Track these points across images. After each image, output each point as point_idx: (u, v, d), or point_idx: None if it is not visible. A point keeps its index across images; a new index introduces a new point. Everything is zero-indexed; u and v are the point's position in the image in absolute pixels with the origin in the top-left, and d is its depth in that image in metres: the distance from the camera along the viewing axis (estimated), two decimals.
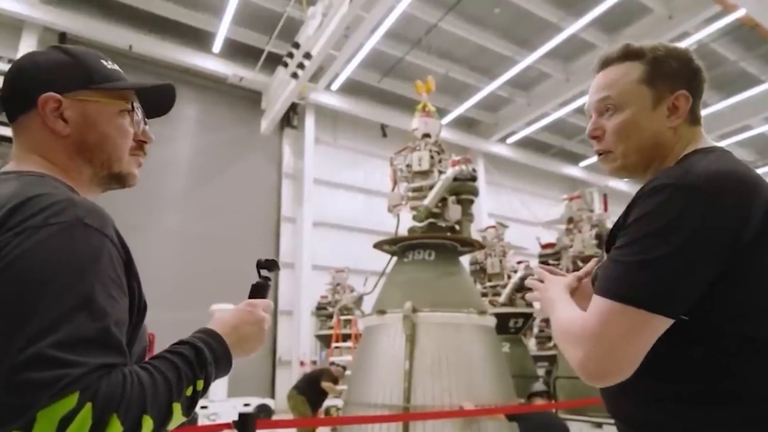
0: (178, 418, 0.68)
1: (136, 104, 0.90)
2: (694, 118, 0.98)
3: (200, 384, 0.71)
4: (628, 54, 0.99)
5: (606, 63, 1.02)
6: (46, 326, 0.59)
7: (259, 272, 0.97)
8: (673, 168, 0.88)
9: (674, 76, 0.96)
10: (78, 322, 0.61)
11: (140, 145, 0.91)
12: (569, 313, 0.89)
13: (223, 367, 0.78)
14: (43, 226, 0.65)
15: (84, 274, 0.64)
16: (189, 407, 0.69)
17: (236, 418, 2.07)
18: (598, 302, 0.82)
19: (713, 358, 0.80)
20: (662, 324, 0.79)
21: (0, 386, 0.58)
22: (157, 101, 0.95)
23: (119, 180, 0.88)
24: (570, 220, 8.46)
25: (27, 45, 10.61)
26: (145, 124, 0.93)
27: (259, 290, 0.95)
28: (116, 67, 0.89)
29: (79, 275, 0.64)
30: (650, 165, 0.98)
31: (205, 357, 0.73)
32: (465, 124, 16.83)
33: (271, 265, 0.97)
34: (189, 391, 0.69)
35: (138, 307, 0.76)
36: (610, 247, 0.88)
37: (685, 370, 0.81)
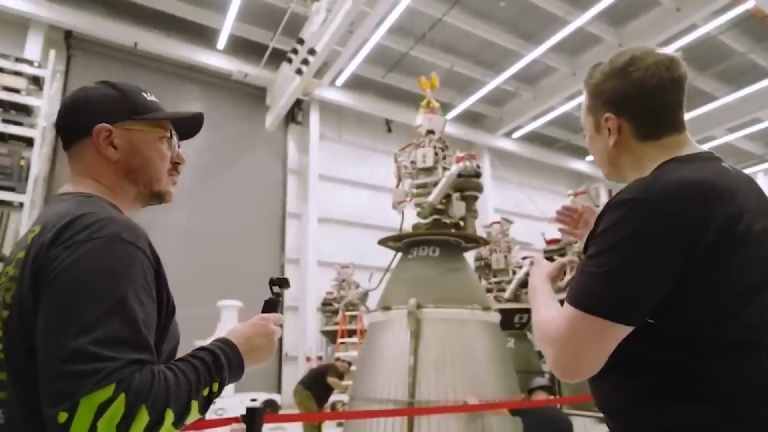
0: (194, 414, 0.77)
1: (172, 130, 1.04)
2: (649, 131, 1.00)
3: (215, 386, 0.81)
4: (584, 82, 1.10)
5: None
6: (86, 326, 0.70)
7: (271, 289, 1.08)
8: (639, 180, 0.92)
9: (607, 98, 1.03)
10: (113, 323, 0.72)
11: (175, 166, 1.04)
12: (546, 314, 0.96)
13: (236, 372, 0.89)
14: (87, 240, 0.77)
15: (119, 281, 0.75)
16: (205, 405, 0.79)
17: (243, 412, 2.10)
18: (567, 309, 0.90)
19: (682, 358, 0.84)
20: (622, 331, 0.85)
21: (51, 374, 0.69)
22: (187, 126, 1.08)
23: (158, 197, 1.02)
24: None
25: (33, 43, 10.67)
26: (178, 146, 1.06)
27: (271, 305, 1.05)
28: (154, 98, 1.02)
29: (115, 282, 0.75)
30: (621, 173, 1.06)
31: (221, 363, 0.84)
32: (470, 118, 16.75)
33: (283, 283, 1.10)
34: (206, 392, 0.79)
35: (167, 310, 0.87)
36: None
37: (657, 368, 0.87)
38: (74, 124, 0.95)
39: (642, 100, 0.98)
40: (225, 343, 0.89)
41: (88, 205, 0.85)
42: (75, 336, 0.69)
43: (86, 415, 0.65)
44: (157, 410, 0.70)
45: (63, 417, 0.66)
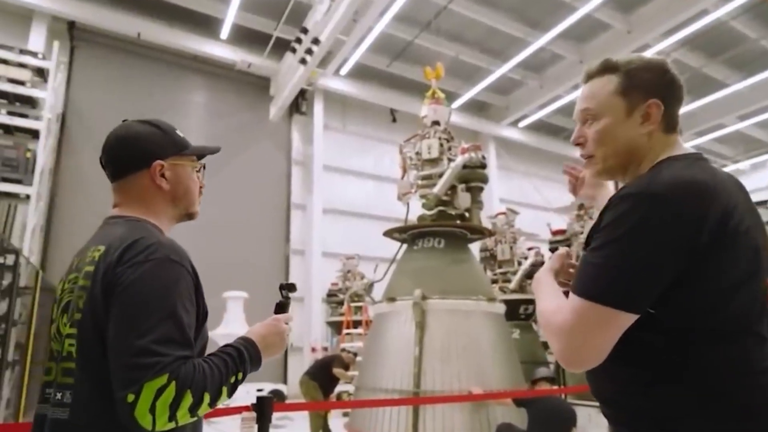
0: (224, 397, 1.00)
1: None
2: (669, 126, 1.07)
3: (240, 375, 1.04)
4: (606, 68, 1.10)
5: (588, 77, 1.14)
6: (147, 329, 0.93)
7: (281, 293, 1.28)
8: (641, 177, 0.98)
9: (647, 86, 1.06)
10: (167, 327, 0.94)
11: (200, 190, 1.28)
12: (551, 305, 1.00)
13: (255, 364, 1.11)
14: (144, 262, 1.00)
15: (170, 294, 0.98)
16: (232, 390, 1.03)
17: (250, 401, 2.16)
18: (573, 300, 0.93)
19: (674, 348, 0.89)
20: (627, 319, 0.89)
21: (121, 366, 0.92)
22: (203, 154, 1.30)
23: (191, 216, 1.27)
24: (581, 207, 8.37)
25: (37, 34, 10.66)
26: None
27: (281, 307, 1.26)
28: (183, 134, 1.25)
29: (167, 295, 0.98)
30: (627, 168, 1.08)
31: (244, 357, 1.07)
32: (476, 107, 16.62)
33: (291, 287, 1.30)
34: (232, 379, 1.02)
35: (202, 315, 1.09)
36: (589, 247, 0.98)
37: (650, 357, 0.91)
38: (132, 159, 1.16)
39: (677, 94, 1.07)
40: (246, 341, 1.12)
41: (140, 230, 1.08)
42: (138, 337, 0.92)
43: (148, 397, 0.88)
44: (198, 394, 0.93)
45: (131, 398, 0.88)
